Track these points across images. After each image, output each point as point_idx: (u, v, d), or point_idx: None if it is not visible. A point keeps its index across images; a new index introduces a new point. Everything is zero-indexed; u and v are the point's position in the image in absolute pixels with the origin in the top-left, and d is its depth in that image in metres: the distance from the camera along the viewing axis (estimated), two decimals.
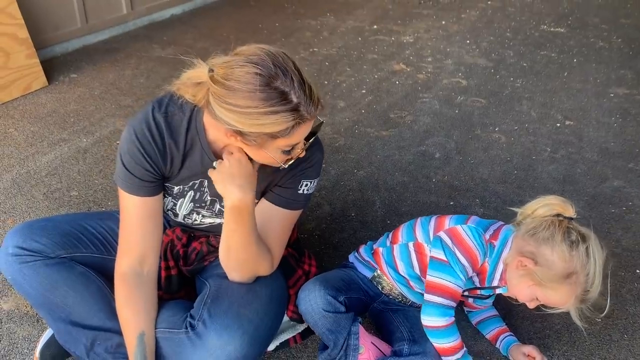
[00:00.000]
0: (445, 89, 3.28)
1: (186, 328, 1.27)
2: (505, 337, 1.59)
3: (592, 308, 1.36)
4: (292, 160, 1.26)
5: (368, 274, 1.63)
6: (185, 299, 1.50)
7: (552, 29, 4.37)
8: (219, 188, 1.25)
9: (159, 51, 3.69)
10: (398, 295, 1.60)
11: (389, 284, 1.59)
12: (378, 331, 1.64)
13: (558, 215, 1.36)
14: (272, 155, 1.20)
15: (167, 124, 1.29)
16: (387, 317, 1.60)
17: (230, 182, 1.23)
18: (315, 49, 3.84)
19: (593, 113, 3.04)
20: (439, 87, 3.31)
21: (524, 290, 1.37)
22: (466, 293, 1.52)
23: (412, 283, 1.55)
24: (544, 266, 1.32)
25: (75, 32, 3.64)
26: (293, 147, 1.21)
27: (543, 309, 1.42)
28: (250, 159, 1.26)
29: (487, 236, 1.43)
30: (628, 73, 3.57)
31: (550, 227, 1.34)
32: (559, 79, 3.47)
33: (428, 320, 1.41)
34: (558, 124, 2.91)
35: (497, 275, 1.43)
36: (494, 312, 1.66)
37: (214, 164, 1.27)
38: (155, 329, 1.32)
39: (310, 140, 1.26)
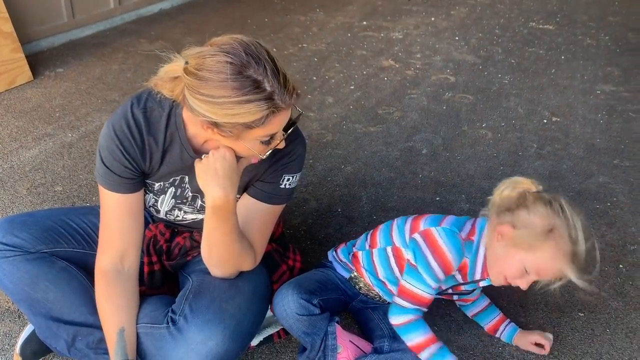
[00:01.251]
0: (433, 85, 3.28)
1: (167, 323, 1.26)
2: (507, 325, 1.61)
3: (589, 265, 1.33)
4: (270, 151, 1.24)
5: (345, 274, 1.62)
6: (168, 294, 1.49)
7: (540, 26, 4.39)
8: (201, 183, 1.24)
9: (146, 46, 3.66)
10: (376, 295, 1.60)
11: (367, 284, 1.59)
12: (359, 329, 1.63)
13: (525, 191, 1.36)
14: (249, 147, 1.19)
15: (146, 120, 1.27)
16: (367, 314, 1.59)
17: (212, 178, 1.21)
18: (304, 45, 3.84)
19: (579, 110, 3.06)
20: (427, 83, 3.31)
21: (510, 264, 1.33)
22: (450, 290, 1.52)
23: (390, 287, 1.55)
24: (524, 227, 1.30)
25: (62, 26, 3.61)
26: (271, 138, 1.19)
27: (539, 287, 1.39)
28: (238, 157, 1.25)
29: (464, 235, 1.42)
30: (615, 70, 3.59)
31: (520, 198, 1.34)
32: (546, 75, 3.49)
33: (394, 319, 1.41)
34: (545, 121, 2.92)
35: (479, 269, 1.43)
36: (488, 301, 1.66)
37: (202, 156, 1.25)
38: (137, 324, 1.31)
39: (289, 131, 1.25)
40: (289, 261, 1.66)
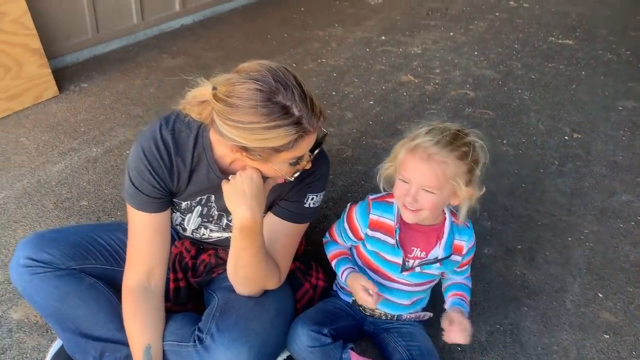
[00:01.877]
0: (453, 101, 3.28)
1: (194, 341, 1.28)
2: (455, 300, 1.56)
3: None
4: (298, 173, 1.27)
5: (348, 299, 1.63)
6: (193, 311, 1.51)
7: (560, 41, 4.37)
8: (229, 204, 1.26)
9: (168, 61, 3.72)
10: (381, 314, 1.60)
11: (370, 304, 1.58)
12: (380, 355, 1.62)
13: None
14: (278, 169, 1.21)
15: (174, 141, 1.30)
16: (383, 338, 1.59)
17: (240, 199, 1.23)
18: (323, 60, 3.87)
19: (601, 126, 3.04)
20: (447, 98, 3.32)
21: (395, 186, 1.43)
22: (410, 262, 1.51)
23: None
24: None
25: (86, 42, 3.68)
26: (299, 159, 1.22)
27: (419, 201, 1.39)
28: (264, 178, 1.27)
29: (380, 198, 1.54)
30: (636, 86, 3.57)
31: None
32: (567, 91, 3.47)
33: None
34: (566, 137, 2.91)
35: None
36: (463, 280, 1.61)
37: (230, 177, 1.27)
38: (163, 341, 1.33)
39: (316, 152, 1.27)
40: (312, 279, 1.66)
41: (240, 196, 1.23)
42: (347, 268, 1.55)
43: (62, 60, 3.53)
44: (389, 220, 1.49)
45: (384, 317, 1.60)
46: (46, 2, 3.27)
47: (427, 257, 1.50)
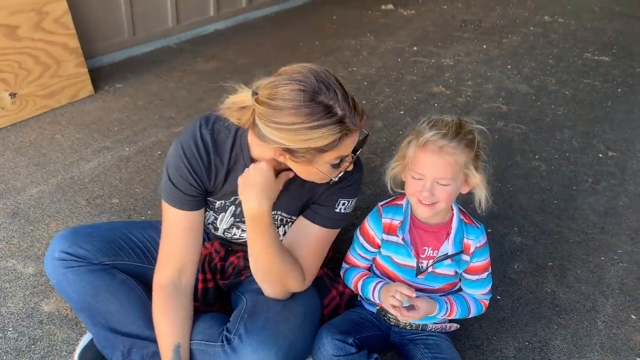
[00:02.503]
0: (484, 114, 3.25)
1: (222, 342, 1.28)
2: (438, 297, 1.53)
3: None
4: (341, 173, 1.27)
5: (372, 309, 1.62)
6: (220, 312, 1.51)
7: (596, 58, 4.31)
8: (240, 195, 1.28)
9: (201, 65, 3.77)
10: (407, 324, 1.58)
11: (392, 313, 1.56)
12: None
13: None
14: (321, 170, 1.21)
15: (213, 140, 1.32)
16: (410, 350, 1.56)
17: (249, 190, 1.25)
18: (354, 69, 3.87)
19: (637, 144, 2.97)
20: (479, 111, 3.29)
21: (407, 183, 1.44)
22: (424, 263, 1.50)
23: None
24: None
25: (122, 43, 3.75)
26: (341, 160, 1.22)
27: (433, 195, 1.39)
28: (277, 173, 1.28)
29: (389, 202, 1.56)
30: None
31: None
32: (602, 108, 3.41)
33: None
34: (600, 155, 2.85)
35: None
36: (470, 297, 1.56)
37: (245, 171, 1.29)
38: (191, 340, 1.33)
39: (358, 152, 1.27)
40: (339, 287, 1.66)
41: (250, 187, 1.24)
42: (378, 282, 1.53)
43: (98, 60, 3.60)
44: (399, 221, 1.51)
45: (408, 327, 1.58)
46: (86, 3, 3.35)
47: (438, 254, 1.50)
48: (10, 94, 2.77)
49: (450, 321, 1.60)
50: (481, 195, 1.44)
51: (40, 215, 2.14)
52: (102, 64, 3.64)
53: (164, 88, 3.37)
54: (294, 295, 1.40)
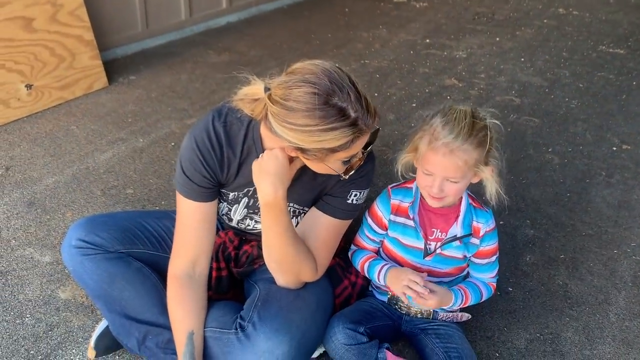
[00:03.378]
0: (497, 106, 3.23)
1: (236, 329, 1.30)
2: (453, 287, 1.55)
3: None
4: (353, 170, 1.28)
5: (384, 298, 1.63)
6: (233, 300, 1.53)
7: (610, 50, 4.26)
8: (255, 181, 1.28)
9: (214, 57, 3.78)
10: (417, 312, 1.59)
11: (403, 302, 1.58)
12: (419, 357, 1.61)
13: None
14: (332, 167, 1.23)
15: (225, 133, 1.33)
16: (421, 340, 1.57)
17: (264, 176, 1.25)
18: (366, 61, 3.87)
19: None
20: (492, 104, 3.27)
21: (418, 176, 1.47)
22: (432, 245, 1.52)
23: None
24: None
25: (136, 35, 3.78)
26: (352, 157, 1.23)
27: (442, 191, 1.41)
28: (291, 159, 1.29)
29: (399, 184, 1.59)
30: None
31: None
32: (616, 101, 3.38)
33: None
34: (614, 148, 2.83)
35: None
36: (480, 282, 1.58)
37: (260, 156, 1.30)
38: (205, 327, 1.35)
39: (368, 149, 1.28)
40: (352, 277, 1.67)
41: (264, 173, 1.25)
42: (385, 264, 1.56)
43: (112, 52, 3.63)
44: (409, 203, 1.54)
45: (419, 315, 1.59)
46: None
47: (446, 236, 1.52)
48: (26, 86, 2.81)
49: (462, 310, 1.61)
50: (492, 188, 1.46)
51: (57, 204, 2.17)
52: (116, 56, 3.67)
53: (176, 80, 3.39)
54: (306, 285, 1.42)
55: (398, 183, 1.60)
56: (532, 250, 2.08)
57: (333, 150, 1.16)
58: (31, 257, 1.90)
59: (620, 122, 3.11)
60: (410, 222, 1.53)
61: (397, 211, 1.55)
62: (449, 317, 1.59)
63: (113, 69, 3.46)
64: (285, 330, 1.26)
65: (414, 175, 1.52)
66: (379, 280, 1.55)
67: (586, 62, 4.01)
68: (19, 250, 1.93)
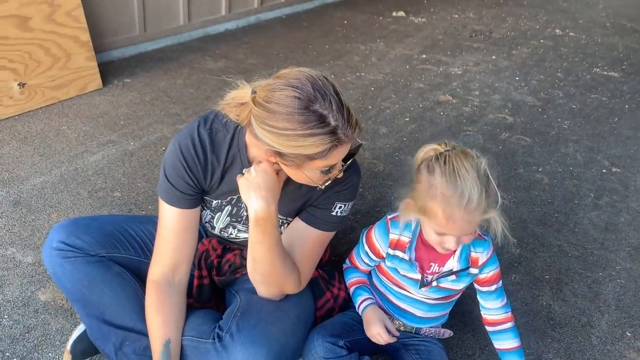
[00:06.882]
0: (490, 124, 3.25)
1: (213, 339, 1.29)
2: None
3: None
4: (329, 181, 1.27)
5: None
6: (214, 309, 1.52)
7: (605, 73, 4.29)
8: (244, 197, 1.27)
9: (210, 63, 3.79)
10: (400, 324, 1.59)
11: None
12: None
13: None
14: (309, 176, 1.22)
15: (210, 140, 1.33)
16: (401, 355, 1.56)
17: (254, 191, 1.24)
18: (362, 74, 3.88)
19: None
20: (484, 121, 3.29)
21: (426, 233, 1.41)
22: (429, 277, 1.50)
23: (393, 299, 1.58)
24: (417, 191, 1.36)
25: (133, 38, 3.78)
26: (331, 168, 1.22)
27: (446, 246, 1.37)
28: (277, 172, 1.28)
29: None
30: None
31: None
32: (608, 124, 3.40)
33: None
34: (604, 170, 2.85)
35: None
36: (502, 315, 1.56)
37: (244, 171, 1.28)
38: (183, 335, 1.34)
39: (348, 162, 1.28)
40: (334, 289, 1.66)
41: (254, 188, 1.24)
42: (367, 298, 1.56)
43: (108, 54, 3.63)
44: (408, 238, 1.49)
45: (402, 329, 1.59)
46: None
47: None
48: (19, 84, 2.80)
49: (443, 326, 1.60)
50: (497, 228, 1.36)
51: (42, 205, 2.16)
52: (112, 58, 3.67)
53: (172, 85, 3.39)
54: (287, 297, 1.41)
55: (397, 214, 1.52)
56: (517, 270, 2.08)
57: (310, 158, 1.15)
58: (13, 257, 1.88)
59: (611, 145, 3.13)
60: (408, 259, 1.51)
61: (395, 246, 1.51)
62: (432, 333, 1.58)
63: (108, 71, 3.46)
64: (263, 341, 1.25)
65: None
66: (358, 309, 1.56)
67: (580, 83, 4.04)
68: (1, 250, 1.91)
